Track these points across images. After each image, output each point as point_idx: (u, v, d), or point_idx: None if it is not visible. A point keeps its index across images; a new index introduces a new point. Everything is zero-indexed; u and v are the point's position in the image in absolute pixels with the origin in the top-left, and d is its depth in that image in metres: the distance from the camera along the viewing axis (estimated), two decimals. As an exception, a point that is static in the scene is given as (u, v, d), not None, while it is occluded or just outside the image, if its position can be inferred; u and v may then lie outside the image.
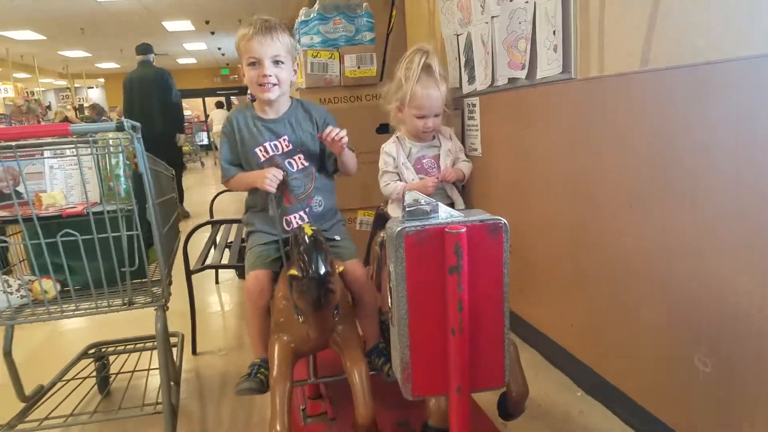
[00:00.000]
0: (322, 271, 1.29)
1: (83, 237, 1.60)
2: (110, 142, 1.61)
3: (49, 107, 14.55)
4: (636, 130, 1.67)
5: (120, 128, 1.49)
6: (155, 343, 1.81)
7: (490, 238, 0.97)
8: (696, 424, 1.56)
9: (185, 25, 11.44)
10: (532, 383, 2.15)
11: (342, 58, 2.77)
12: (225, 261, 2.89)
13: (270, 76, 1.63)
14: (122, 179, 1.67)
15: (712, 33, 1.37)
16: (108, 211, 1.62)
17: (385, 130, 2.75)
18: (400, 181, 1.82)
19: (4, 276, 1.77)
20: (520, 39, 2.23)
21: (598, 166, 1.86)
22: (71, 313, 1.71)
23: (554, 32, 2.00)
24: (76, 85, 18.12)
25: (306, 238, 1.37)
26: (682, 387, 1.58)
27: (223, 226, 3.36)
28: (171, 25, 11.45)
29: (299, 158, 1.71)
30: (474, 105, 2.77)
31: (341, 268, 1.40)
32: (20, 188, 1.73)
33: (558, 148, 2.09)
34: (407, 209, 0.96)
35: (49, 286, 1.75)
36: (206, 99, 19.78)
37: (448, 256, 0.92)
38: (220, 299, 3.69)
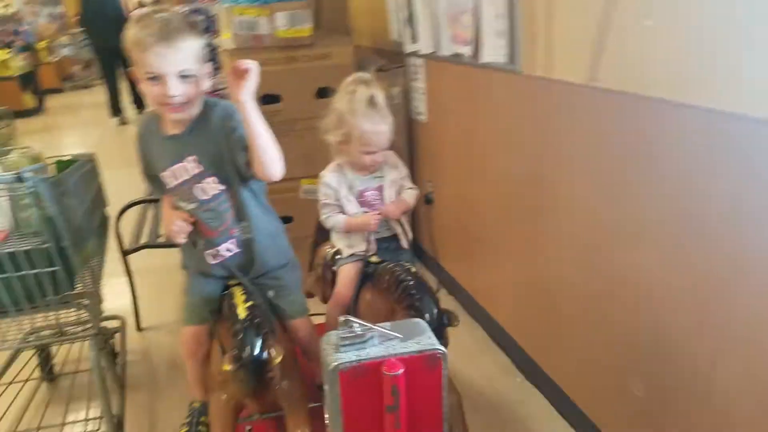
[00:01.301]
0: (259, 362, 1.22)
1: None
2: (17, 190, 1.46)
3: None
4: (574, 139, 1.63)
5: (20, 180, 1.34)
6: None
7: (429, 370, 0.93)
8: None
9: None
10: (473, 364, 2.24)
11: (273, 15, 2.53)
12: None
13: (177, 95, 1.31)
14: (32, 211, 1.53)
15: (665, 71, 1.29)
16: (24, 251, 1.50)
17: (325, 93, 2.60)
18: (342, 213, 1.71)
19: None
20: (463, 13, 2.07)
21: (541, 160, 1.82)
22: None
23: (498, 15, 1.86)
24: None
25: (239, 319, 1.28)
26: (616, 395, 1.64)
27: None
28: None
29: (211, 181, 1.43)
30: (418, 66, 2.64)
31: (279, 359, 1.25)
32: None
33: (501, 133, 2.03)
34: (341, 336, 0.91)
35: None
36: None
37: (385, 396, 0.89)
38: (162, 263, 3.58)
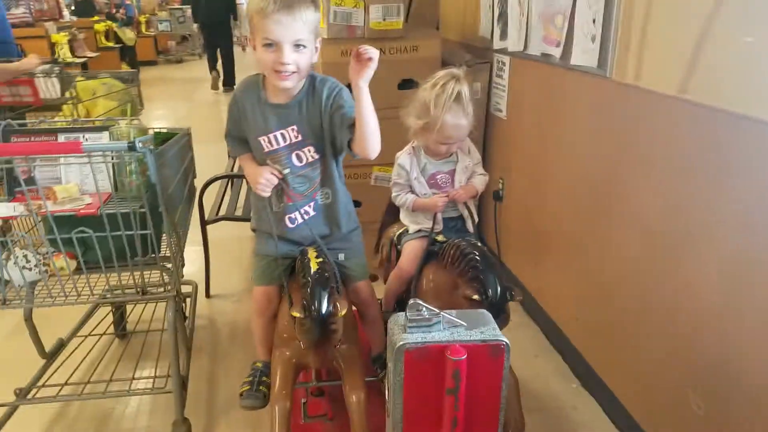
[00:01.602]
0: (324, 312, 1.29)
1: (97, 234, 1.62)
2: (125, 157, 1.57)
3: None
4: (653, 148, 1.61)
5: (132, 149, 1.45)
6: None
7: (492, 359, 0.96)
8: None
9: None
10: (530, 366, 2.24)
11: (367, 8, 2.59)
12: (241, 206, 2.90)
13: (289, 64, 1.39)
14: (134, 177, 1.65)
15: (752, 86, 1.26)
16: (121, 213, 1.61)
17: (407, 86, 2.63)
18: (411, 193, 1.77)
19: (23, 251, 1.80)
20: (557, 14, 2.06)
21: (616, 170, 1.80)
22: (86, 297, 1.76)
23: (594, 20, 1.85)
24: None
25: (311, 273, 1.36)
26: (676, 416, 1.62)
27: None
28: None
29: (308, 150, 1.53)
30: (504, 64, 2.63)
31: (344, 312, 1.35)
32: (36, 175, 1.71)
33: (584, 137, 2.00)
34: (409, 318, 0.95)
35: (65, 263, 1.79)
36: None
37: (447, 379, 0.93)
38: (236, 236, 3.75)
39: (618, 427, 1.90)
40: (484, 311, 1.06)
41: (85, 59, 6.77)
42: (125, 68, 8.45)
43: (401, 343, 0.94)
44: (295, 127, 1.51)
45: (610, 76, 1.80)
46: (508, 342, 0.98)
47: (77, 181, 1.73)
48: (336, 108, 1.48)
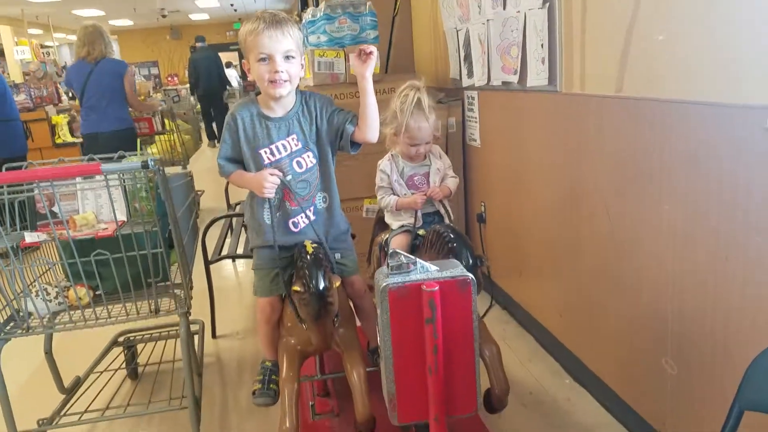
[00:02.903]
0: (321, 286, 1.46)
1: (114, 255, 1.80)
2: (136, 176, 1.78)
3: (64, 67, 14.68)
4: (608, 147, 1.81)
5: (145, 167, 1.66)
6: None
7: (460, 292, 1.14)
8: (665, 419, 1.75)
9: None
10: (525, 369, 2.38)
11: (347, 56, 2.88)
12: (241, 246, 3.09)
13: (282, 72, 1.57)
14: (146, 201, 1.85)
15: (676, 73, 1.49)
16: (135, 233, 1.80)
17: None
18: (394, 195, 2.01)
19: (44, 285, 1.97)
20: (512, 46, 2.34)
21: (578, 173, 2.01)
22: (104, 321, 1.92)
23: (542, 45, 2.11)
24: (89, 41, 18.06)
25: (307, 255, 1.54)
26: (654, 383, 1.76)
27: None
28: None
29: (308, 156, 1.69)
30: (473, 98, 2.90)
31: (338, 284, 1.54)
32: (55, 208, 1.91)
33: (547, 149, 2.23)
34: (390, 265, 1.13)
35: (83, 293, 1.96)
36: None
37: (424, 310, 1.10)
38: (237, 280, 3.93)
39: (607, 408, 2.04)
40: (454, 260, 1.24)
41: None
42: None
43: (384, 284, 1.12)
44: (294, 136, 1.68)
45: (560, 90, 2.04)
46: (473, 277, 1.16)
47: (93, 210, 1.93)
48: (331, 111, 1.70)
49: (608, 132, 1.80)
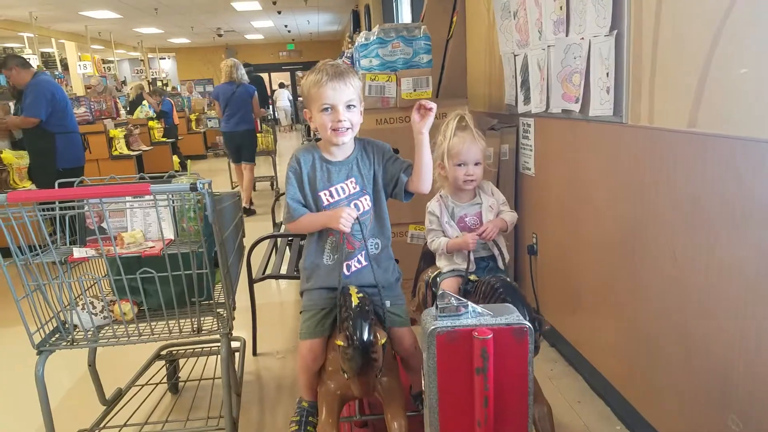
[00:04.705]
0: (366, 342, 1.40)
1: (159, 274, 1.78)
2: (185, 197, 1.77)
3: (124, 82, 15.24)
4: (678, 184, 1.70)
5: (194, 189, 1.64)
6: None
7: (516, 341, 1.06)
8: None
9: (253, 5, 11.66)
10: (573, 411, 2.26)
11: (399, 80, 2.85)
12: (285, 265, 3.07)
13: (344, 121, 1.63)
14: (193, 222, 1.83)
15: (759, 109, 1.38)
16: (181, 253, 1.78)
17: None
18: (444, 237, 1.91)
19: (90, 298, 1.98)
20: (574, 73, 2.25)
21: (642, 210, 1.89)
22: (146, 337, 1.90)
23: (607, 74, 2.02)
24: (149, 56, 18.79)
25: (352, 306, 1.48)
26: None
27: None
28: (240, 6, 11.69)
29: (365, 199, 1.73)
30: (529, 125, 2.81)
31: (383, 341, 1.46)
32: (104, 225, 1.92)
33: (607, 181, 2.12)
34: (439, 307, 1.06)
35: (127, 308, 1.96)
36: (272, 74, 20.15)
37: (475, 358, 1.02)
38: (280, 298, 3.91)
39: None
40: (509, 305, 1.16)
41: (140, 152, 7.27)
42: (176, 160, 9.00)
43: (432, 327, 1.04)
44: (353, 179, 1.73)
45: (626, 121, 1.94)
46: (531, 326, 1.08)
47: (141, 228, 1.92)
48: (388, 159, 1.75)
49: (679, 169, 1.70)
